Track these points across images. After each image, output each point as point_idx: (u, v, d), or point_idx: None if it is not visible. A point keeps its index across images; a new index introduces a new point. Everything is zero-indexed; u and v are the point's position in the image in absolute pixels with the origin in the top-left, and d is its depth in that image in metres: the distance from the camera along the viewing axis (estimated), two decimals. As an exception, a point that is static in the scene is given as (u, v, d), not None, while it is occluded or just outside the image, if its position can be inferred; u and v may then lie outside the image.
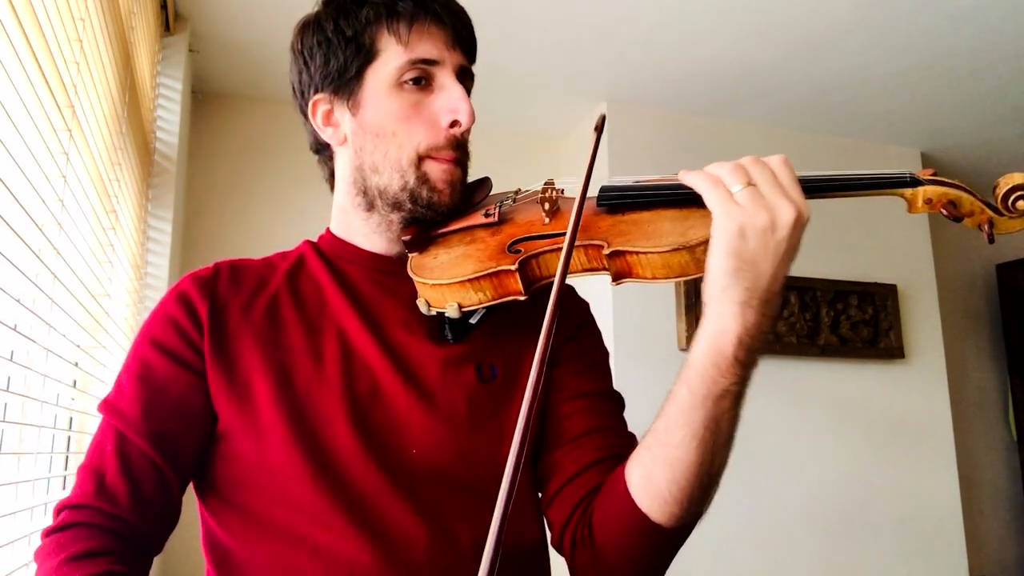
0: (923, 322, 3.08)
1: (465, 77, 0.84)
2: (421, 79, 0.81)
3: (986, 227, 0.69)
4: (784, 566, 2.70)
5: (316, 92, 0.85)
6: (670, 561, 0.77)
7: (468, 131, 0.83)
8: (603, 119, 0.84)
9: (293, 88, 0.89)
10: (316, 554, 0.74)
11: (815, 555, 2.74)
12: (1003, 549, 3.48)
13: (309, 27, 0.86)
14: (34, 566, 0.72)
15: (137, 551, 0.75)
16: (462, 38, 0.83)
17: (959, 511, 2.95)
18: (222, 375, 0.78)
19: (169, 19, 2.17)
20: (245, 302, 0.82)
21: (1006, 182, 0.68)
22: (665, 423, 0.69)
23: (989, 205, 0.69)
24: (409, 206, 0.82)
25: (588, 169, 0.76)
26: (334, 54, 0.83)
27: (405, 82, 0.81)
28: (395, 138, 0.81)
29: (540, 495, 0.86)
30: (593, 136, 0.80)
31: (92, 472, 0.75)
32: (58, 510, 0.75)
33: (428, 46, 0.81)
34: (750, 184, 0.65)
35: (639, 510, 0.72)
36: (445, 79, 0.82)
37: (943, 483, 2.96)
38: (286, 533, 0.75)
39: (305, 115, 0.87)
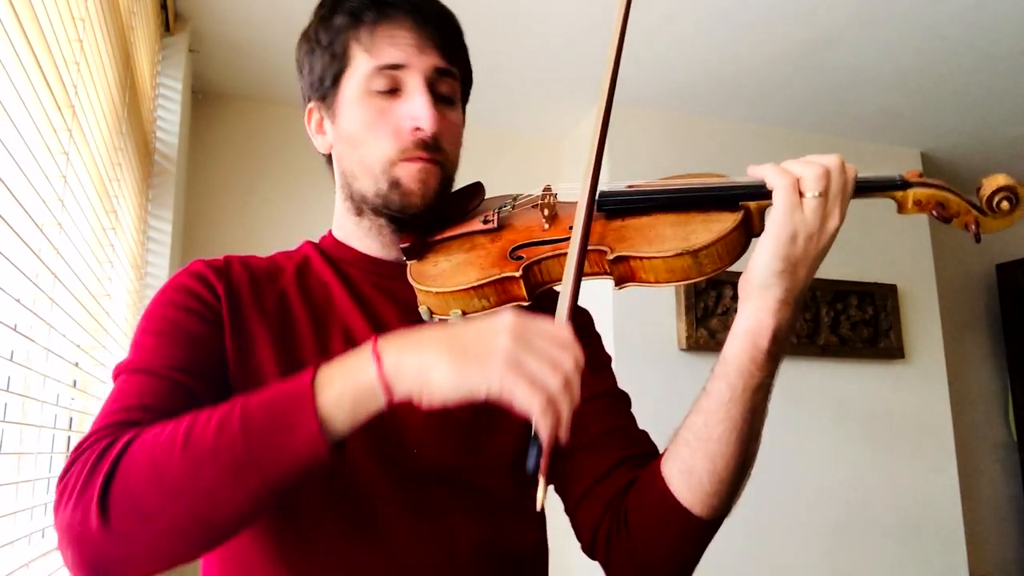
0: (923, 322, 3.08)
1: (442, 79, 0.82)
2: (391, 85, 0.80)
3: (973, 227, 0.72)
4: (784, 566, 2.70)
5: (309, 101, 0.87)
6: (704, 552, 0.78)
7: (444, 134, 0.82)
8: None
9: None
10: (315, 551, 0.74)
11: (815, 555, 2.74)
12: (1003, 549, 3.48)
13: (304, 36, 0.87)
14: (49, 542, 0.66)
15: None
16: (435, 40, 0.81)
17: (959, 511, 2.95)
18: (235, 356, 0.77)
19: (169, 19, 2.17)
20: (257, 294, 0.81)
21: (990, 184, 0.71)
22: (704, 419, 0.72)
23: (974, 206, 0.72)
24: (384, 211, 0.83)
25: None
26: (317, 63, 0.84)
27: (375, 89, 0.81)
28: (365, 146, 0.81)
29: (564, 499, 0.86)
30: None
31: (111, 412, 0.68)
32: (75, 451, 0.65)
33: (393, 51, 0.80)
34: (823, 193, 0.67)
35: (681, 505, 0.74)
36: (412, 84, 0.80)
37: (943, 483, 2.96)
38: (285, 530, 0.74)
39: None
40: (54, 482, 1.41)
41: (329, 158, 0.89)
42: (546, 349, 0.59)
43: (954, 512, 2.95)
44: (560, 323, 0.64)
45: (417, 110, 0.79)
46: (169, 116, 2.18)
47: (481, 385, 0.58)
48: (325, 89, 0.84)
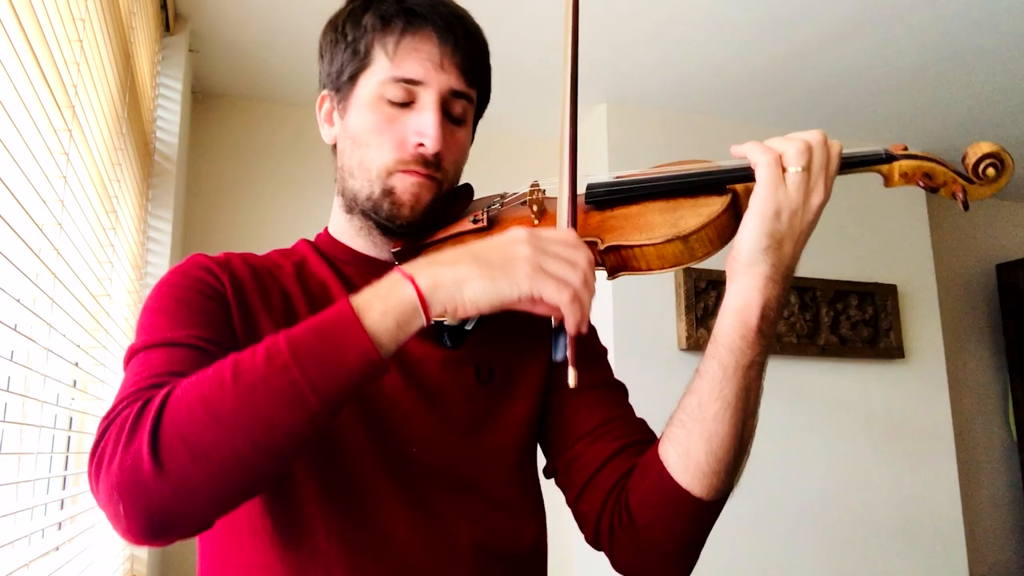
0: (923, 322, 3.08)
1: (457, 99, 0.82)
2: (405, 98, 0.80)
3: (960, 195, 0.73)
4: (784, 566, 2.70)
5: (323, 88, 0.88)
6: (708, 534, 0.78)
7: (447, 153, 0.82)
8: None
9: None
10: (313, 550, 0.74)
11: (814, 555, 2.74)
12: (1003, 549, 3.48)
13: (331, 24, 0.87)
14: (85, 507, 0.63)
15: None
16: (457, 61, 0.81)
17: (959, 511, 2.95)
18: (246, 343, 0.76)
19: (169, 19, 2.17)
20: (262, 288, 0.81)
21: (974, 152, 0.72)
22: (698, 399, 0.72)
23: (960, 174, 0.73)
24: (372, 215, 0.83)
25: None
26: (338, 55, 0.85)
27: (388, 97, 0.81)
28: (368, 149, 0.82)
29: (566, 491, 0.86)
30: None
31: (138, 381, 0.66)
32: (103, 420, 0.62)
33: (414, 65, 0.80)
34: (806, 168, 0.68)
35: (680, 487, 0.74)
36: (425, 101, 0.80)
37: (943, 483, 2.96)
38: (283, 529, 0.74)
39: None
40: (54, 482, 1.41)
41: (334, 148, 0.90)
42: (561, 251, 0.65)
43: (954, 512, 2.94)
44: (566, 229, 0.70)
45: (425, 127, 0.79)
46: (169, 116, 2.18)
47: (513, 291, 0.62)
48: (341, 83, 0.84)
